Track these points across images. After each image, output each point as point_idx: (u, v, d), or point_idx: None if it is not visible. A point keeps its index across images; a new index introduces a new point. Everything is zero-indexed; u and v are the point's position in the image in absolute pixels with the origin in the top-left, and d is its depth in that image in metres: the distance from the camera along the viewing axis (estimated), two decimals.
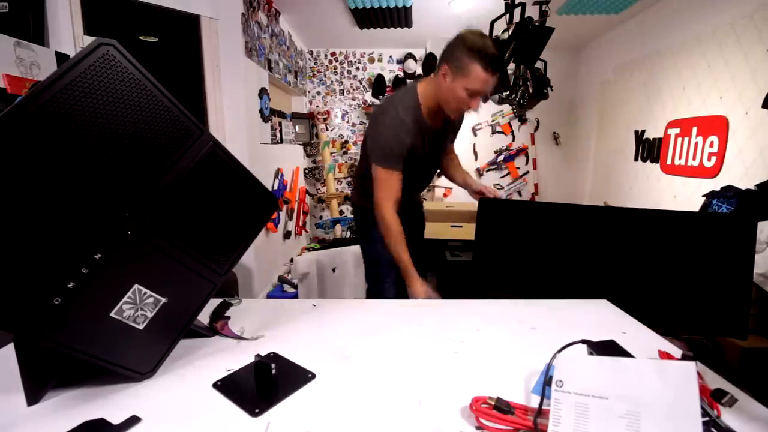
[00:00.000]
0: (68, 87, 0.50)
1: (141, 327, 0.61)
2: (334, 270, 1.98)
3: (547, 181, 4.91)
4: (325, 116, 4.66)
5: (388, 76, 4.64)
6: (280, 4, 3.31)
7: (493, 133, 4.75)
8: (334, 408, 0.57)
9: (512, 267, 1.24)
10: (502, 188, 4.88)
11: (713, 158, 2.49)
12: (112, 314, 0.58)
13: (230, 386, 0.61)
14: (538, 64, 2.93)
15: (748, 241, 0.96)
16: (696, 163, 2.64)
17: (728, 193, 2.05)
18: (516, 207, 1.30)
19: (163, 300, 0.63)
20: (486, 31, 2.79)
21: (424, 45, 4.45)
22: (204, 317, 0.82)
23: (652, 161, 3.15)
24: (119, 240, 0.56)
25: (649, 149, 3.18)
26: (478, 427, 0.52)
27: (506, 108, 4.29)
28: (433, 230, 2.58)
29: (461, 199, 3.58)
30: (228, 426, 0.53)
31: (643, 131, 3.26)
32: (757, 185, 1.97)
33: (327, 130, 4.77)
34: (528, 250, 1.22)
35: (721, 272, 0.98)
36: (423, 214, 1.71)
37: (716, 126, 2.47)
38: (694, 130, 2.66)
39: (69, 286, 0.53)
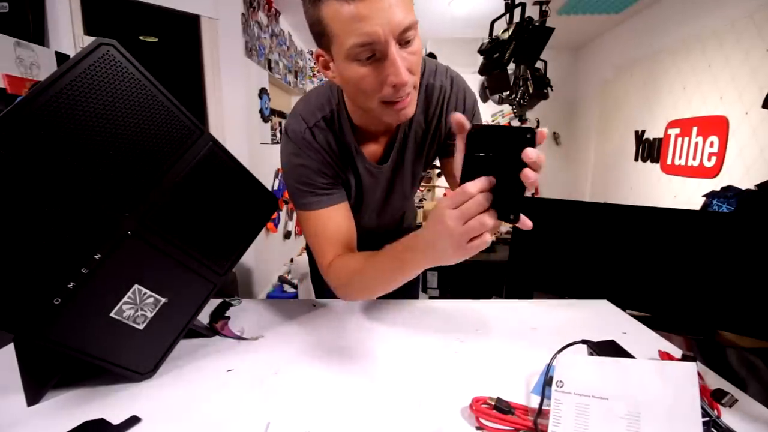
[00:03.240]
0: (68, 87, 0.50)
1: (141, 327, 0.61)
2: None
3: (547, 181, 4.91)
4: None
5: None
6: (280, 4, 3.31)
7: None
8: (334, 408, 0.57)
9: (550, 265, 1.24)
10: None
11: (713, 158, 2.49)
12: (112, 314, 0.58)
13: None
14: (538, 64, 2.93)
15: None
16: (696, 163, 2.64)
17: (728, 193, 2.05)
18: (554, 206, 1.27)
19: (163, 300, 0.63)
20: (486, 32, 2.80)
21: (425, 45, 4.46)
22: (204, 317, 0.82)
23: (652, 161, 3.15)
24: (119, 240, 0.56)
25: (649, 149, 3.18)
26: (478, 427, 0.52)
27: (506, 108, 4.30)
28: None
29: None
30: (228, 425, 0.53)
31: (643, 131, 3.27)
32: (757, 185, 1.98)
33: None
34: (568, 249, 1.21)
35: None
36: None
37: (716, 126, 2.47)
38: (695, 130, 2.66)
39: (69, 286, 0.53)
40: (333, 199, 0.76)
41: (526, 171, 0.43)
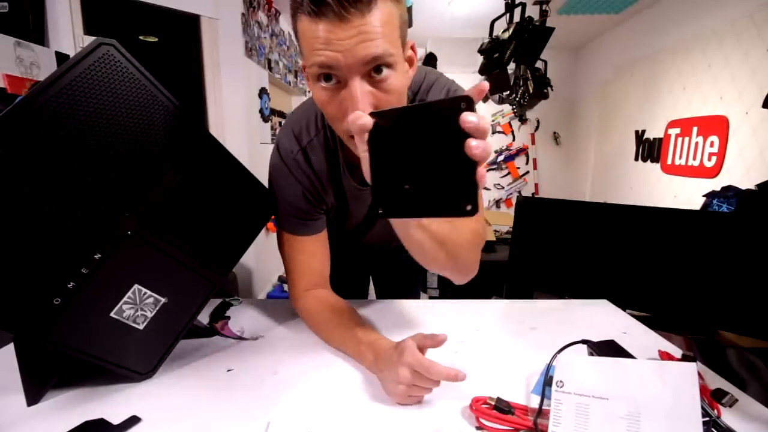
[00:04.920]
0: (68, 87, 0.50)
1: (141, 327, 0.61)
2: None
3: (547, 181, 4.91)
4: None
5: None
6: (280, 4, 3.31)
7: (493, 132, 4.76)
8: (334, 408, 0.57)
9: (550, 265, 1.24)
10: (503, 188, 4.88)
11: (713, 158, 2.49)
12: (112, 314, 0.58)
13: None
14: (539, 64, 2.93)
15: None
16: (696, 163, 2.64)
17: (728, 193, 2.05)
18: (554, 206, 1.28)
19: (163, 300, 0.63)
20: (486, 32, 2.80)
21: (425, 45, 4.46)
22: (204, 317, 0.82)
23: (652, 161, 3.15)
24: (119, 240, 0.56)
25: (649, 149, 3.18)
26: (478, 427, 0.52)
27: (506, 108, 4.29)
28: None
29: None
30: (228, 426, 0.53)
31: (643, 131, 3.27)
32: (757, 185, 1.97)
33: None
34: (568, 249, 1.22)
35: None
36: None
37: (716, 126, 2.47)
38: (695, 129, 2.66)
39: (69, 286, 0.53)
40: (309, 230, 0.76)
41: (470, 142, 0.35)
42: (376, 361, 0.62)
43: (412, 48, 0.59)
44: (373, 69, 0.51)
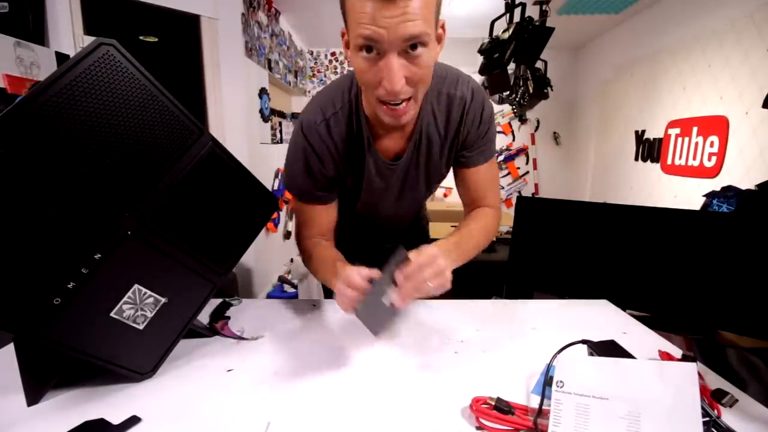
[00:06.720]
0: (68, 87, 0.50)
1: (141, 327, 0.61)
2: None
3: (547, 181, 4.91)
4: None
5: None
6: (280, 4, 3.31)
7: None
8: (334, 408, 0.57)
9: (550, 265, 1.25)
10: (503, 188, 4.88)
11: (713, 158, 2.49)
12: (112, 314, 0.58)
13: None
14: (539, 64, 2.93)
15: None
16: (696, 163, 2.64)
17: (728, 193, 2.05)
18: (554, 206, 1.28)
19: (163, 300, 0.63)
20: (486, 32, 2.80)
21: None
22: (204, 317, 0.82)
23: (652, 161, 3.15)
24: (119, 240, 0.56)
25: (649, 149, 3.18)
26: (478, 427, 0.52)
27: (506, 108, 4.29)
28: (433, 230, 2.58)
29: None
30: (228, 426, 0.53)
31: (643, 131, 3.26)
32: (757, 185, 1.97)
33: None
34: (568, 249, 1.22)
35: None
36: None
37: (716, 126, 2.47)
38: (695, 130, 2.66)
39: (69, 286, 0.53)
40: (323, 200, 0.84)
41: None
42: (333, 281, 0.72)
43: (443, 27, 0.65)
44: (410, 46, 0.57)
